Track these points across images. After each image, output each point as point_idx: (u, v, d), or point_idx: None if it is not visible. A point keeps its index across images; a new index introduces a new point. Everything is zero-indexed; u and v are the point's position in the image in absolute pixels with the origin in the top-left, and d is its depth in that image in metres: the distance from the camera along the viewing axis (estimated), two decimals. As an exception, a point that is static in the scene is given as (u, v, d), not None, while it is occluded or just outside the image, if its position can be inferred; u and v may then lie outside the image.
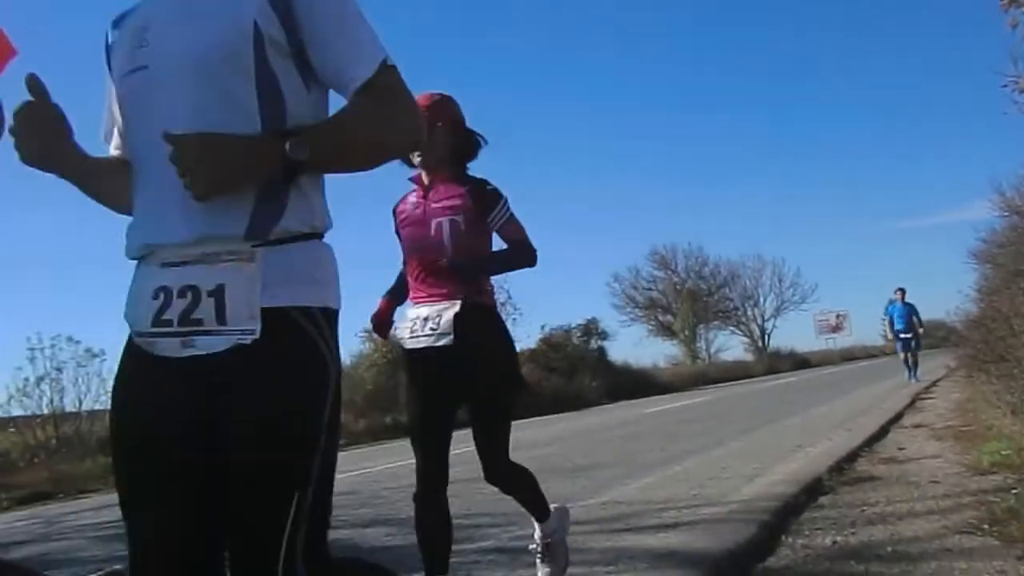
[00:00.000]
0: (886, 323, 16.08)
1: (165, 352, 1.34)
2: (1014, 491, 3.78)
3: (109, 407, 1.47)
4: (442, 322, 2.63)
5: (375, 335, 2.99)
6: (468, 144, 2.82)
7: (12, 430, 12.64)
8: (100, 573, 2.78)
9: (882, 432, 7.32)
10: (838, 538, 3.44)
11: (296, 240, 1.38)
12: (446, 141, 2.71)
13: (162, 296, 1.34)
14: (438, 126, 2.66)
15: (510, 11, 63.95)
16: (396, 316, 2.92)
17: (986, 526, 3.27)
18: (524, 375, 2.96)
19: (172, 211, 1.34)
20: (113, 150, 1.58)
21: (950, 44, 62.58)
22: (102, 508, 7.96)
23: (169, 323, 1.33)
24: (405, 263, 2.85)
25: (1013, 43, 6.25)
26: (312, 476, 1.34)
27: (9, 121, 1.43)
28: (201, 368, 1.32)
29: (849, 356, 46.23)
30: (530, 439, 10.86)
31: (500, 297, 24.25)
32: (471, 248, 2.69)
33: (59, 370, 13.20)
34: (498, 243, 2.81)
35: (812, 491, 4.51)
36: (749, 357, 43.64)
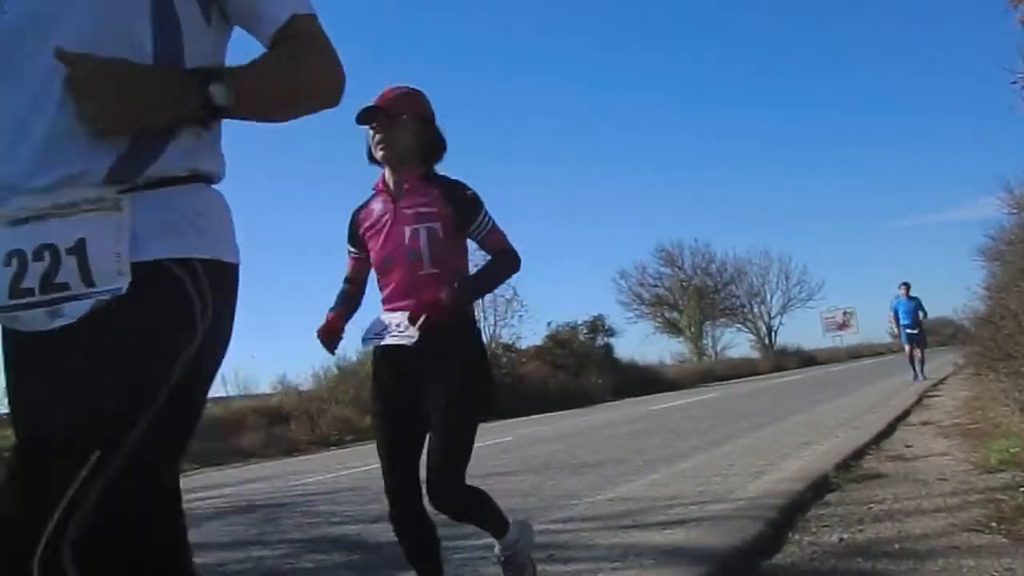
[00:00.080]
0: (891, 319, 15.87)
1: (31, 326, 1.16)
2: (1022, 489, 3.77)
3: None
4: (406, 323, 2.48)
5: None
6: (436, 142, 2.64)
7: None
8: None
9: (889, 429, 7.30)
10: (845, 535, 3.44)
11: (176, 183, 1.21)
12: (412, 135, 2.54)
13: (15, 262, 1.15)
14: (403, 118, 2.51)
15: None
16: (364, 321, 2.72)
17: (994, 524, 3.26)
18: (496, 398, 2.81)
19: (20, 150, 1.16)
20: None
21: (958, 40, 62.34)
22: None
23: (30, 292, 1.14)
24: (379, 274, 2.62)
25: (1022, 39, 6.22)
26: (125, 441, 1.13)
27: None
28: (70, 340, 1.14)
29: (856, 354, 46.13)
30: (536, 436, 10.88)
31: (507, 294, 24.36)
32: (448, 258, 2.53)
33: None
34: (473, 249, 2.66)
35: (819, 488, 4.51)
36: (755, 354, 43.62)
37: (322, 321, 2.67)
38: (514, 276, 2.75)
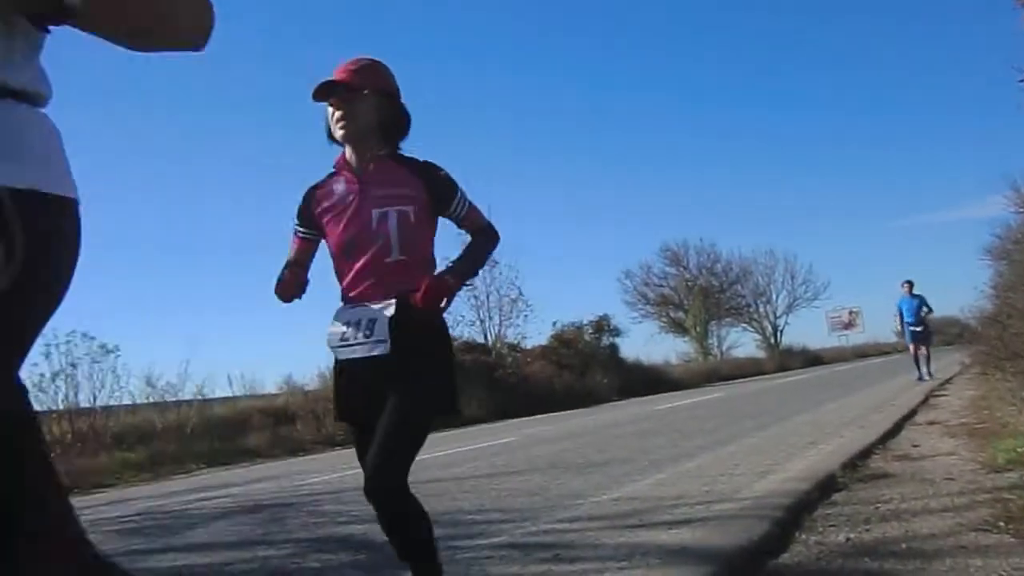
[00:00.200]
0: (896, 319, 15.74)
1: None
2: (1030, 488, 3.76)
3: None
4: (377, 327, 2.27)
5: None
6: (400, 119, 2.45)
7: (28, 425, 12.71)
8: None
9: (896, 429, 7.28)
10: (852, 535, 3.43)
11: None
12: (373, 110, 2.36)
13: None
14: (364, 93, 2.34)
15: None
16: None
17: (1002, 523, 3.25)
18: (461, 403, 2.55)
19: None
20: None
21: (965, 39, 62.17)
22: (118, 502, 8.03)
23: None
24: (338, 261, 2.43)
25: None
26: None
27: None
28: None
29: (862, 353, 46.09)
30: (542, 435, 10.88)
31: (511, 293, 24.38)
32: (417, 244, 2.38)
33: (74, 366, 13.34)
34: (443, 235, 2.50)
35: (825, 488, 4.49)
36: (761, 354, 43.60)
37: (280, 276, 2.47)
38: (495, 250, 2.61)
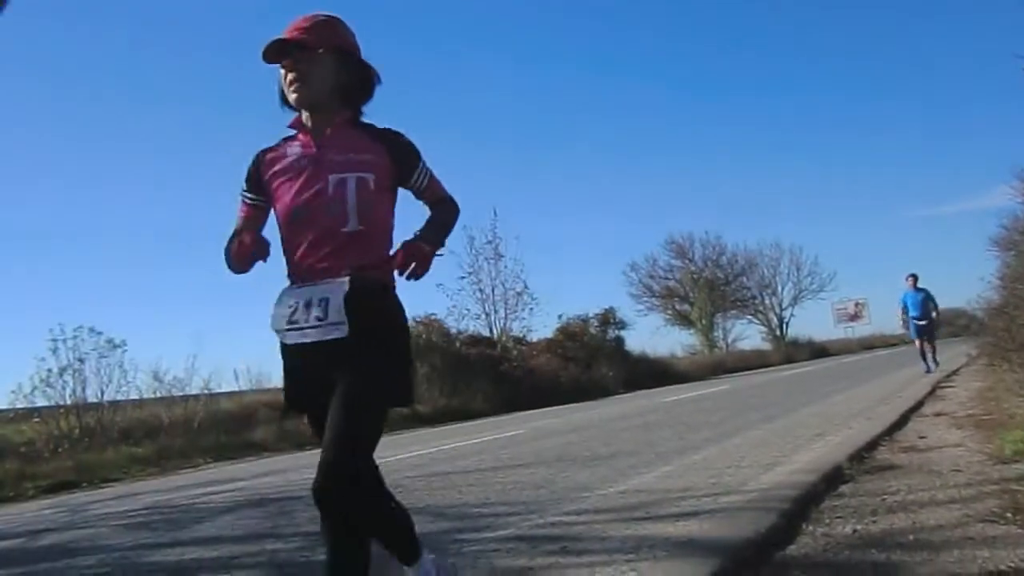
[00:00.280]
0: (900, 313, 15.52)
1: None
2: (1037, 479, 3.75)
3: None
4: (331, 308, 2.07)
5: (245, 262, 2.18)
6: (362, 80, 2.25)
7: (36, 420, 12.81)
8: None
9: (902, 420, 7.26)
10: (859, 527, 3.42)
11: None
12: (330, 71, 2.17)
13: None
14: (319, 52, 2.15)
15: None
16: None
17: (1009, 515, 3.24)
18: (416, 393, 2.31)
19: None
20: None
21: (972, 29, 61.80)
22: (125, 496, 8.06)
23: None
24: (287, 230, 2.22)
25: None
26: None
27: None
28: None
29: (868, 345, 46.05)
30: (548, 428, 10.89)
31: (516, 287, 24.41)
32: (377, 214, 2.19)
33: (81, 361, 13.39)
34: (404, 207, 2.34)
35: (832, 480, 4.49)
36: (767, 346, 43.60)
37: (235, 241, 2.24)
38: (456, 222, 2.44)
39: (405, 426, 15.76)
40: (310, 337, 2.09)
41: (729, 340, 44.88)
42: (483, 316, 23.94)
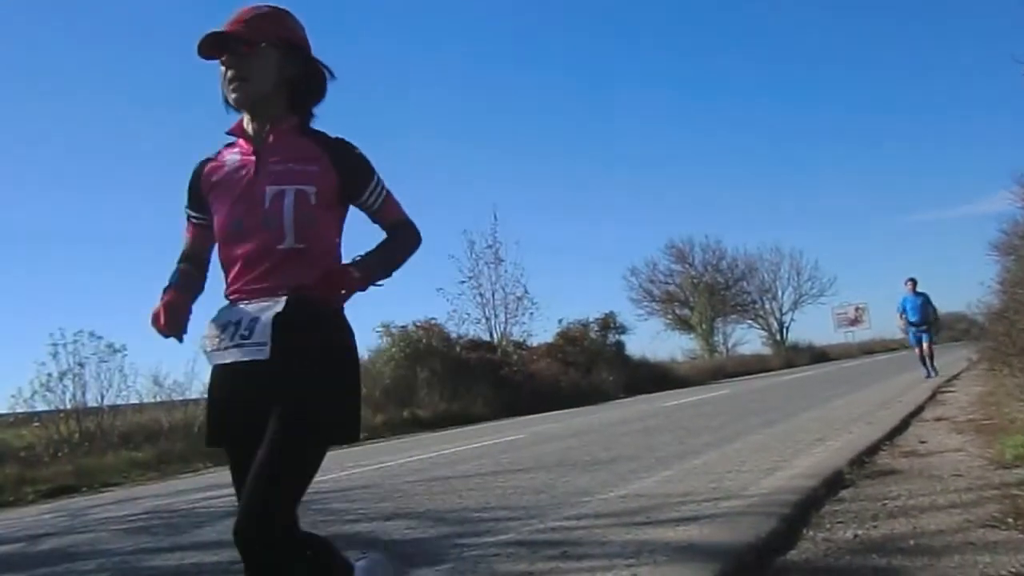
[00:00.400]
0: (900, 318, 15.37)
1: None
2: (1038, 484, 3.75)
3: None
4: (257, 328, 1.86)
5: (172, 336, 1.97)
6: (310, 79, 2.03)
7: (36, 425, 12.80)
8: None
9: (903, 425, 7.26)
10: (859, 531, 3.42)
11: None
12: (274, 68, 1.96)
13: None
14: (261, 47, 1.93)
15: None
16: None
17: (1010, 520, 3.24)
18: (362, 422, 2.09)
19: None
20: None
21: (971, 34, 61.91)
22: (125, 501, 8.05)
23: None
24: (223, 246, 2.02)
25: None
26: None
27: None
28: None
29: (868, 349, 46.02)
30: (548, 433, 10.88)
31: (516, 291, 24.48)
32: (317, 232, 1.96)
33: (81, 365, 13.38)
34: (352, 226, 2.09)
35: (833, 484, 4.49)
36: (767, 351, 43.57)
37: (156, 304, 2.02)
38: (416, 250, 2.15)
39: (405, 430, 15.76)
40: (230, 357, 1.89)
41: (729, 345, 44.89)
42: (483, 320, 23.96)
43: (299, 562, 1.88)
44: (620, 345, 26.26)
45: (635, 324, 32.95)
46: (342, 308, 2.01)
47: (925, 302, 15.05)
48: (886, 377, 16.61)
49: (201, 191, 2.06)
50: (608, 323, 26.06)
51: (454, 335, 21.48)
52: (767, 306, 47.26)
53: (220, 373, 1.96)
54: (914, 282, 15.13)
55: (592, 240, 63.65)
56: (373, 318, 19.59)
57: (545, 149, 62.90)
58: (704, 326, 43.14)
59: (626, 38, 63.68)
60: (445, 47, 62.29)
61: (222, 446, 2.01)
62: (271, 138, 1.99)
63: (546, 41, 63.68)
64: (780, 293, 47.24)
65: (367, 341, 19.22)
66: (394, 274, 2.09)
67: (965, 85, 63.47)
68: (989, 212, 50.98)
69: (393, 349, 18.91)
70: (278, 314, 1.86)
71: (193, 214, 2.12)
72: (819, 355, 41.66)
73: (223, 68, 1.96)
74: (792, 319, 47.25)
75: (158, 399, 14.88)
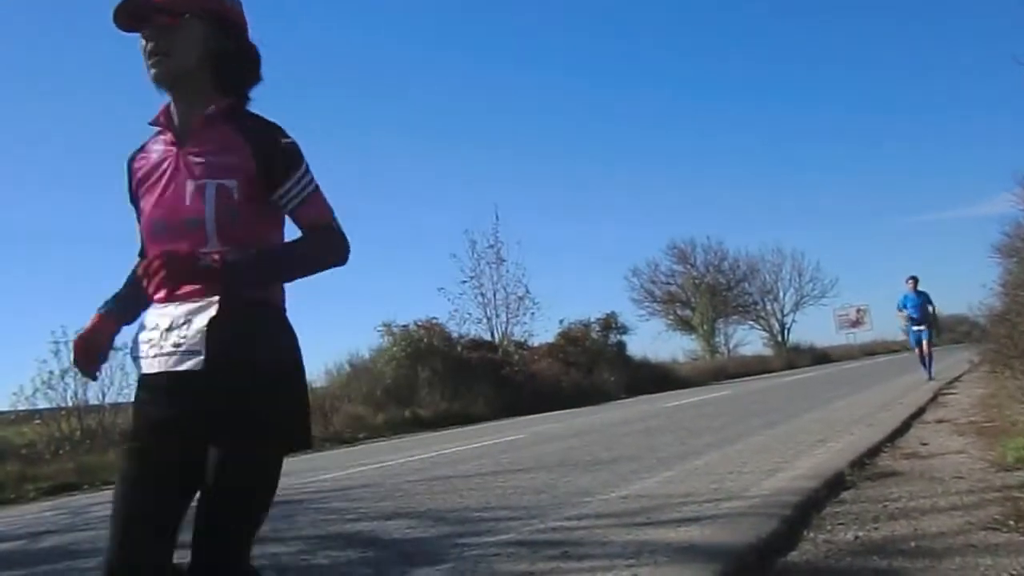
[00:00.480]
0: (901, 316, 15.26)
1: None
2: (1040, 487, 3.75)
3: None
4: (190, 333, 1.65)
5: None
6: (241, 56, 1.82)
7: (38, 422, 12.82)
8: None
9: (904, 427, 7.26)
10: (860, 533, 3.42)
11: None
12: (198, 42, 1.75)
13: None
14: (185, 18, 1.73)
15: None
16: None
17: (1012, 522, 3.24)
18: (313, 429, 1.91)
19: None
20: None
21: (971, 34, 61.87)
22: (126, 499, 8.05)
23: None
24: (142, 250, 1.86)
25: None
26: None
27: None
28: None
29: (870, 351, 45.94)
30: (550, 433, 10.88)
31: (518, 291, 24.52)
32: (245, 230, 1.71)
33: (83, 363, 13.37)
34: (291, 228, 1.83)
35: (834, 486, 4.49)
36: (768, 352, 43.54)
37: (86, 325, 1.87)
38: (338, 266, 1.82)
39: (406, 430, 15.77)
40: (161, 366, 1.69)
41: (731, 346, 44.85)
42: (485, 320, 23.93)
43: None
44: (621, 345, 26.25)
45: (636, 325, 32.97)
46: (282, 308, 1.81)
47: (925, 301, 14.98)
48: (887, 379, 16.60)
49: (132, 188, 1.86)
50: (609, 323, 26.05)
51: (455, 335, 21.48)
52: (768, 307, 47.26)
53: (149, 381, 1.74)
54: (915, 280, 15.04)
55: (593, 240, 63.63)
56: (374, 317, 19.60)
57: (546, 149, 62.91)
58: (705, 327, 43.10)
59: (626, 38, 63.68)
60: (445, 47, 62.33)
61: (138, 459, 1.72)
62: (195, 124, 1.78)
63: (546, 41, 63.67)
64: (782, 294, 47.23)
65: (368, 340, 19.23)
66: (292, 281, 1.80)
67: (965, 85, 63.40)
68: (991, 214, 51.00)
69: (394, 348, 18.90)
70: (212, 319, 1.65)
71: (136, 212, 1.88)
72: (820, 356, 41.61)
73: (143, 41, 1.76)
74: (793, 320, 47.24)
75: (159, 397, 14.91)
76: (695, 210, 65.28)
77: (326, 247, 1.80)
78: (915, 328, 14.83)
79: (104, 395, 13.59)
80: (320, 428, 15.07)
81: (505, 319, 23.97)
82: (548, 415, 16.30)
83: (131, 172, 1.86)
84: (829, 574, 2.91)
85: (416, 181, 58.37)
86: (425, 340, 19.40)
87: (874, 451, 5.79)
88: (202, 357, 1.64)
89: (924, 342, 14.68)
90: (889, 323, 51.81)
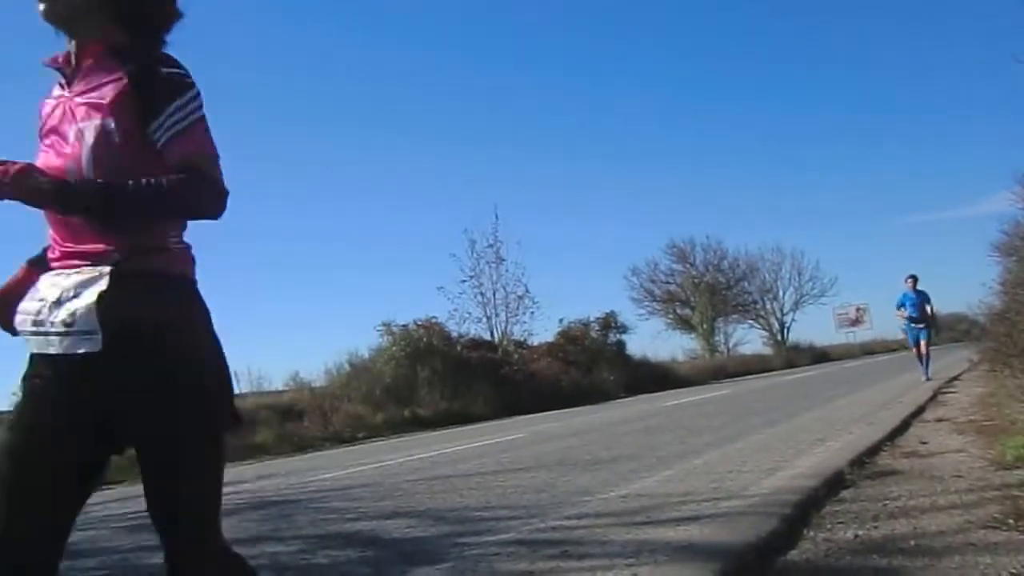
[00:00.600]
0: (900, 315, 15.21)
1: None
2: (1039, 485, 3.75)
3: None
4: (80, 309, 1.48)
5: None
6: None
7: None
8: None
9: (904, 426, 7.26)
10: (860, 532, 3.42)
11: None
12: None
13: None
14: None
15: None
16: None
17: (1011, 521, 3.24)
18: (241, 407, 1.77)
19: None
20: None
21: (971, 34, 61.87)
22: (127, 499, 8.05)
23: None
24: None
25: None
26: None
27: None
28: None
29: (869, 350, 45.98)
30: (549, 432, 10.88)
31: (517, 291, 24.57)
32: (132, 176, 1.52)
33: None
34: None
35: (833, 485, 4.49)
36: (768, 351, 43.54)
37: (9, 277, 1.75)
38: (210, 216, 1.61)
39: (406, 429, 15.77)
40: (51, 347, 1.52)
41: (730, 345, 44.86)
42: (484, 320, 23.94)
43: None
44: (621, 345, 26.25)
45: (636, 324, 32.90)
46: (189, 280, 1.65)
47: (924, 300, 14.96)
48: (887, 377, 16.60)
49: (39, 136, 1.70)
50: (609, 323, 26.04)
51: (455, 334, 21.48)
52: (768, 306, 47.27)
53: (40, 363, 1.58)
54: (915, 279, 15.01)
55: (593, 240, 63.62)
56: (374, 317, 19.59)
57: (545, 148, 62.90)
58: (705, 326, 43.11)
59: (626, 38, 63.65)
60: (445, 47, 62.30)
61: (18, 450, 1.55)
62: (82, 66, 1.62)
63: (546, 41, 63.64)
64: (781, 293, 47.24)
65: (368, 340, 19.23)
66: (152, 222, 1.59)
67: (965, 85, 63.41)
68: (990, 213, 50.95)
69: (394, 348, 18.90)
70: (103, 293, 1.48)
71: None
72: (820, 355, 41.63)
73: None
74: (793, 319, 47.25)
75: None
76: (695, 209, 65.44)
77: (194, 192, 1.56)
78: (914, 327, 14.82)
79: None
80: (320, 427, 15.07)
81: (504, 318, 23.99)
82: (547, 414, 16.30)
83: (40, 119, 1.70)
84: (829, 573, 2.91)
85: (416, 180, 58.36)
86: (425, 339, 19.40)
87: (874, 450, 5.79)
88: (98, 336, 1.47)
89: (922, 341, 14.67)
90: (889, 322, 51.80)
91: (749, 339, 46.59)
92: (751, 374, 31.44)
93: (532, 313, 24.01)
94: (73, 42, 1.63)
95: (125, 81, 1.55)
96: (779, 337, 46.31)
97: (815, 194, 67.24)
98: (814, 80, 65.11)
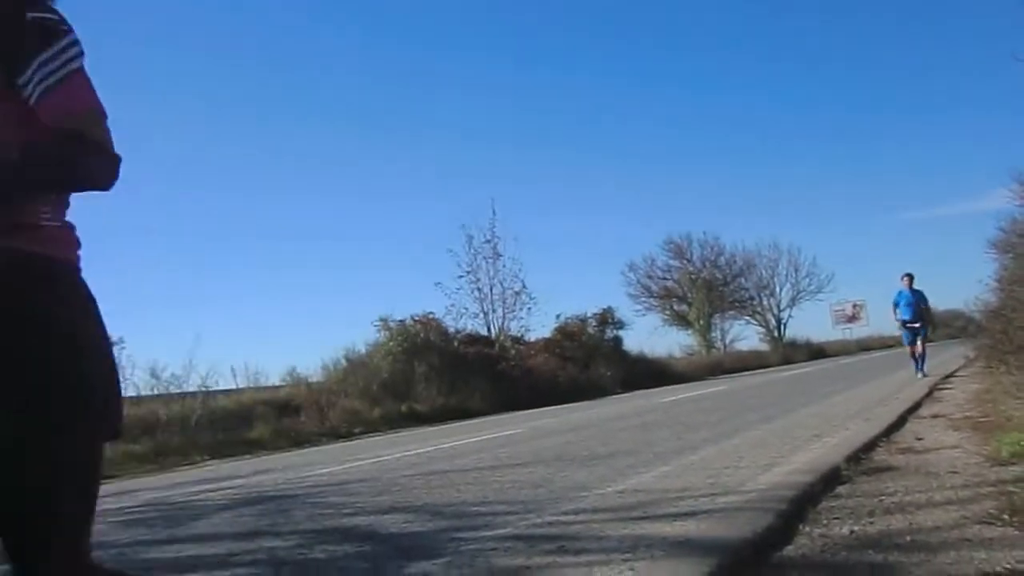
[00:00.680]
0: (895, 313, 15.19)
1: None
2: (1034, 481, 3.76)
3: None
4: None
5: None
6: None
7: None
8: None
9: (900, 422, 7.28)
10: (856, 527, 3.43)
11: None
12: None
13: None
14: None
15: (525, -1, 63.62)
16: None
17: (1006, 516, 3.25)
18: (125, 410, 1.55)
19: None
20: None
21: (971, 34, 61.88)
22: (122, 494, 8.05)
23: None
24: None
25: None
26: None
27: None
28: None
29: (866, 346, 46.05)
30: (546, 428, 10.89)
31: (515, 286, 24.57)
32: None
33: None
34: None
35: (830, 480, 4.50)
36: (765, 347, 43.60)
37: None
38: (98, 187, 1.43)
39: (403, 425, 15.78)
40: None
41: (727, 341, 44.94)
42: (481, 315, 23.98)
43: None
44: (618, 340, 26.30)
45: (633, 320, 32.88)
46: (72, 265, 1.46)
47: (920, 299, 14.95)
48: (883, 374, 16.63)
49: None
50: (606, 318, 26.08)
51: (452, 330, 21.50)
52: (765, 302, 47.33)
53: None
54: (911, 277, 14.99)
55: (590, 236, 63.64)
56: (371, 312, 19.58)
57: (544, 145, 62.81)
58: (702, 322, 43.16)
59: (626, 38, 63.52)
60: (445, 46, 62.15)
61: None
62: None
63: (546, 41, 63.48)
64: (778, 289, 47.29)
65: (365, 335, 19.24)
66: (29, 195, 1.37)
67: (964, 84, 63.34)
68: (988, 210, 50.94)
69: (391, 343, 18.91)
70: None
71: None
72: (817, 352, 41.72)
73: None
74: (790, 316, 47.32)
75: (155, 391, 14.92)
76: (692, 206, 65.43)
77: (72, 158, 1.35)
78: (909, 325, 14.81)
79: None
80: (316, 423, 15.08)
81: (502, 314, 24.03)
82: (544, 410, 16.32)
83: None
84: (825, 568, 2.92)
85: (413, 177, 58.29)
86: (422, 335, 19.41)
87: (870, 446, 5.80)
88: None
89: (918, 340, 14.65)
90: (885, 319, 51.88)
91: (746, 335, 46.67)
92: (748, 370, 31.49)
93: (529, 309, 24.08)
94: None
95: None
96: (776, 333, 46.40)
97: (812, 190, 67.33)
98: (813, 79, 65.12)
